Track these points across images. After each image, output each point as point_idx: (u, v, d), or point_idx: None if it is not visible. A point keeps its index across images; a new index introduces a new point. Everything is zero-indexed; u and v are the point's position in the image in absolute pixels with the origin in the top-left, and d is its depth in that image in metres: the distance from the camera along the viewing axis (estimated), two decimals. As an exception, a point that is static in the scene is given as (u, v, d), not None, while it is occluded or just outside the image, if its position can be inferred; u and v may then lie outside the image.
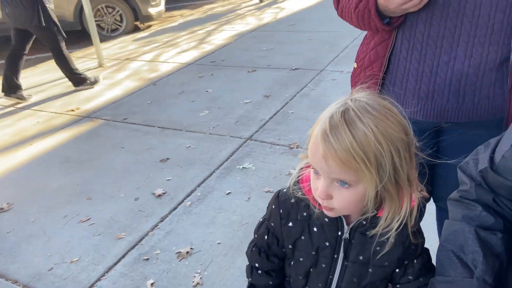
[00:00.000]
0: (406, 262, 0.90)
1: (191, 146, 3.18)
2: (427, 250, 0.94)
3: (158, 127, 3.54)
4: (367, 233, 0.86)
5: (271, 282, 1.04)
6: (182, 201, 2.55)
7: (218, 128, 3.41)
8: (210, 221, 2.34)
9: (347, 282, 0.92)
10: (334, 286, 0.93)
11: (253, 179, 2.68)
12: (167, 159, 3.03)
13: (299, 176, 0.91)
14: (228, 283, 1.92)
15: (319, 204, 0.84)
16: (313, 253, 0.92)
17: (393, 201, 0.80)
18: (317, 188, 0.80)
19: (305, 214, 0.90)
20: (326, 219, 0.88)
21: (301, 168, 0.92)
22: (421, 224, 0.98)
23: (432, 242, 1.88)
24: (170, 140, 3.31)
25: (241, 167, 2.82)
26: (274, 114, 3.53)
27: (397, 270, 0.91)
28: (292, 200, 0.91)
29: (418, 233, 0.89)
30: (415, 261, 0.91)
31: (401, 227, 0.82)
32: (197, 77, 4.62)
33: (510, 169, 0.85)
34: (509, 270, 0.86)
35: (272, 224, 0.95)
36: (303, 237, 0.92)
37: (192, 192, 2.62)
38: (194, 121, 3.57)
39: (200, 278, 1.96)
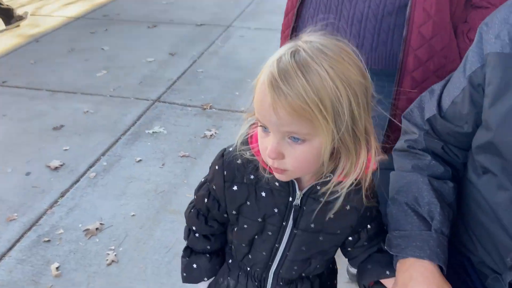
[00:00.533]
0: (360, 229, 0.84)
1: (89, 111, 2.82)
2: (380, 213, 0.87)
3: (47, 90, 3.08)
4: (321, 199, 0.76)
5: (208, 247, 0.94)
6: (85, 172, 2.26)
7: (120, 89, 3.08)
8: (120, 192, 2.11)
9: (294, 251, 0.83)
10: (280, 255, 0.85)
11: (166, 143, 2.48)
12: (62, 126, 2.65)
13: (247, 134, 0.78)
14: (148, 257, 1.76)
15: (269, 167, 0.73)
16: (260, 220, 0.81)
17: (349, 154, 0.69)
18: (266, 147, 0.68)
19: (252, 177, 0.79)
20: (277, 184, 0.77)
21: (251, 126, 0.79)
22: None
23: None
24: (63, 105, 2.90)
25: (150, 131, 2.59)
26: (183, 74, 3.29)
27: (350, 238, 0.85)
28: (239, 161, 0.79)
29: (373, 196, 0.81)
30: (369, 226, 0.84)
31: (352, 186, 0.72)
32: (88, 33, 4.11)
33: (459, 114, 0.82)
34: (457, 219, 0.86)
35: (214, 186, 0.84)
36: (248, 203, 0.81)
37: (95, 162, 2.34)
38: (90, 83, 3.18)
39: (115, 255, 1.77)
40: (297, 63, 0.62)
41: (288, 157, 0.67)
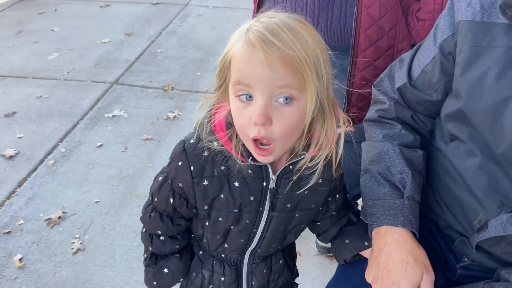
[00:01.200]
0: (329, 199, 0.85)
1: (42, 95, 2.68)
2: (345, 185, 0.89)
3: (-5, 76, 2.89)
4: (294, 178, 0.76)
5: (177, 246, 0.90)
6: (43, 160, 2.16)
7: (75, 72, 2.95)
8: (82, 179, 2.04)
9: (272, 231, 0.83)
10: (258, 238, 0.84)
11: (127, 127, 2.41)
12: (14, 113, 2.51)
13: (210, 122, 0.74)
14: (115, 243, 1.72)
15: (241, 155, 0.71)
16: (236, 210, 0.79)
17: (325, 122, 0.70)
18: (248, 118, 0.65)
19: (223, 168, 0.75)
20: (250, 171, 0.74)
21: (210, 111, 0.75)
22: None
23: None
24: (13, 90, 2.74)
25: (110, 115, 2.50)
26: (141, 54, 3.19)
27: (320, 208, 0.86)
28: (206, 153, 0.74)
29: (339, 164, 0.82)
30: (338, 196, 0.86)
31: (328, 158, 0.74)
32: (36, 14, 3.87)
33: (429, 82, 0.84)
34: (425, 185, 0.90)
35: (180, 184, 0.78)
36: (222, 195, 0.77)
37: (53, 149, 2.24)
38: (42, 66, 3.01)
39: (81, 243, 1.72)
40: (280, 25, 0.63)
41: (276, 122, 0.65)
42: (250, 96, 0.65)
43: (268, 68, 0.61)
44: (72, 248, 1.69)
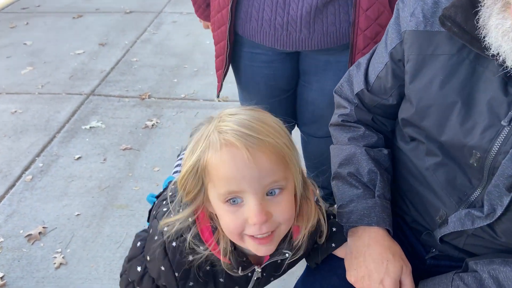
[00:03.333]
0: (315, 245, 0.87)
1: (17, 111, 2.65)
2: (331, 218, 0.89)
3: (-33, 93, 2.84)
4: (278, 261, 0.77)
5: None
6: (20, 176, 2.14)
7: (49, 86, 2.91)
8: (61, 193, 2.03)
9: None
10: None
11: (105, 137, 2.39)
12: (-12, 129, 2.47)
13: (195, 225, 0.73)
14: (98, 255, 1.72)
15: (229, 259, 0.71)
16: None
17: (308, 200, 0.72)
18: (241, 221, 0.64)
19: (208, 268, 0.75)
20: (235, 270, 0.74)
21: (194, 214, 0.73)
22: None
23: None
24: (-13, 106, 2.70)
25: (88, 126, 2.48)
26: (116, 64, 3.17)
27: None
28: (190, 258, 0.72)
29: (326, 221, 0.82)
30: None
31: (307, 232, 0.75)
32: (8, 28, 3.81)
33: (384, 88, 0.88)
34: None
35: (164, 283, 0.77)
36: None
37: (31, 164, 2.22)
38: (15, 81, 2.97)
39: (63, 257, 1.71)
40: (251, 120, 0.63)
41: (276, 213, 0.65)
42: (237, 200, 0.64)
43: (256, 166, 0.61)
44: (55, 263, 1.68)
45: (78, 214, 1.91)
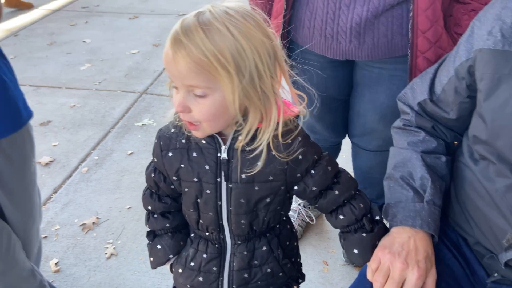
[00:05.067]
0: (299, 175, 0.85)
1: (76, 105, 2.80)
2: (326, 157, 0.87)
3: (30, 86, 3.03)
4: (246, 149, 0.81)
5: (168, 225, 0.98)
6: (77, 167, 2.25)
7: (106, 83, 3.06)
8: (114, 186, 2.12)
9: (235, 204, 0.86)
10: (225, 212, 0.88)
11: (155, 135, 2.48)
12: (49, 121, 2.62)
13: None
14: (146, 248, 1.77)
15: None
16: (195, 179, 0.86)
17: (257, 110, 0.76)
18: (175, 106, 0.76)
19: (184, 141, 0.85)
20: (204, 141, 0.83)
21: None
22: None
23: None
24: (48, 99, 2.86)
25: (140, 124, 2.58)
26: (168, 65, 3.28)
27: (296, 188, 0.86)
28: (172, 130, 0.86)
29: (304, 144, 0.82)
30: (312, 171, 0.85)
31: (269, 138, 0.78)
32: (68, 26, 4.03)
33: (447, 101, 0.88)
34: (450, 189, 0.93)
35: (156, 159, 0.90)
36: (182, 165, 0.86)
37: (87, 156, 2.33)
38: (75, 76, 3.14)
39: (114, 248, 1.78)
40: (199, 22, 0.70)
41: (195, 111, 0.74)
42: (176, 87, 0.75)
43: (176, 67, 0.70)
44: (106, 253, 1.76)
45: (129, 208, 1.99)
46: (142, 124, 2.58)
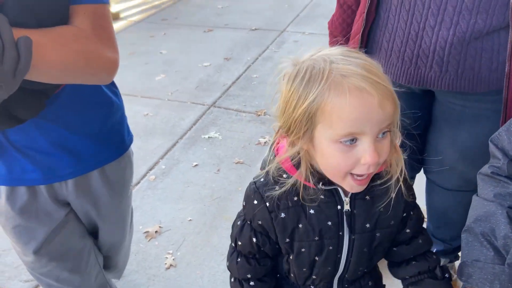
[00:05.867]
0: (405, 214, 0.85)
1: (149, 113, 2.94)
2: (417, 203, 0.89)
3: (110, 93, 3.23)
4: (367, 197, 0.78)
5: None
6: (145, 175, 2.35)
7: (177, 93, 3.18)
8: (178, 197, 2.18)
9: (357, 254, 0.83)
10: (343, 263, 0.84)
11: (221, 149, 2.53)
12: (123, 128, 2.78)
13: (275, 157, 0.79)
14: (204, 263, 1.81)
15: (314, 182, 0.75)
16: (316, 238, 0.81)
17: (395, 150, 0.75)
18: (353, 161, 0.67)
19: (296, 198, 0.78)
20: (322, 196, 0.77)
21: (273, 149, 0.82)
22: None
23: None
24: (125, 107, 3.03)
25: (206, 136, 2.65)
26: (237, 79, 3.34)
27: (398, 225, 0.86)
28: (277, 188, 0.77)
29: (410, 187, 0.84)
30: (412, 213, 0.86)
31: (400, 179, 0.77)
32: (148, 37, 4.27)
33: None
34: None
35: (260, 222, 0.82)
36: (300, 225, 0.80)
37: (155, 165, 2.43)
38: (150, 86, 3.30)
39: (173, 259, 1.83)
40: (364, 62, 0.67)
41: (381, 155, 0.69)
42: (353, 140, 0.67)
43: (382, 110, 0.65)
44: (165, 263, 1.81)
45: (190, 220, 2.03)
46: (208, 137, 2.64)
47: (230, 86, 3.23)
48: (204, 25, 4.45)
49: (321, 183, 0.75)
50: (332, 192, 0.77)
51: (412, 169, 1.45)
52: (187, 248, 1.88)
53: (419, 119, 1.27)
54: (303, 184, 0.76)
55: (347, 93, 0.64)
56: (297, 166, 0.76)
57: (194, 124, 2.79)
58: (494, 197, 0.85)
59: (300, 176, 0.75)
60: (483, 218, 0.83)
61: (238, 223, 0.88)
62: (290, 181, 0.76)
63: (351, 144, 0.67)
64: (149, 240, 1.93)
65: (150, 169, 2.39)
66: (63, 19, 0.78)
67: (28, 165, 0.95)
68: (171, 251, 1.87)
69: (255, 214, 0.81)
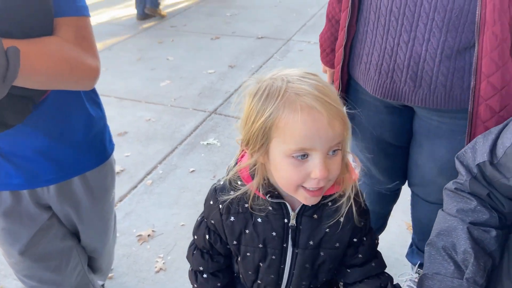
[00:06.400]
0: (355, 240, 0.87)
1: (151, 119, 2.99)
2: (372, 229, 0.92)
3: (115, 97, 3.30)
4: (314, 216, 0.82)
5: (219, 284, 0.97)
6: (143, 179, 2.40)
7: (181, 100, 3.23)
8: (173, 201, 2.22)
9: (299, 269, 0.88)
10: (287, 275, 0.89)
11: (218, 155, 2.56)
12: (125, 132, 2.84)
13: (236, 165, 0.84)
14: (193, 268, 1.83)
15: (264, 194, 0.79)
16: (260, 245, 0.86)
17: (347, 170, 0.78)
18: (303, 175, 0.71)
19: (246, 205, 0.83)
20: (270, 208, 0.82)
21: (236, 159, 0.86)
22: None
23: (400, 223, 1.88)
24: (128, 111, 3.10)
25: (205, 143, 2.69)
26: (240, 86, 3.38)
27: (347, 250, 0.89)
28: (232, 193, 0.83)
29: (365, 209, 0.87)
30: (364, 239, 0.88)
31: (350, 202, 0.80)
32: (156, 43, 4.35)
33: (508, 167, 0.80)
34: (502, 264, 0.84)
35: (212, 221, 0.89)
36: (247, 231, 0.85)
37: (153, 169, 2.48)
38: (154, 92, 3.37)
39: (163, 263, 1.86)
40: (317, 83, 0.72)
41: (332, 170, 0.73)
42: (304, 155, 0.71)
43: (331, 128, 0.69)
44: (155, 267, 1.84)
45: (183, 225, 2.07)
46: (207, 143, 2.68)
47: (232, 94, 3.27)
48: (211, 33, 4.51)
49: (268, 196, 0.79)
50: (281, 206, 0.82)
51: (395, 181, 1.46)
52: (178, 252, 1.92)
53: (402, 134, 1.29)
54: (254, 194, 0.81)
55: (299, 111, 0.68)
56: (253, 176, 0.80)
57: (194, 130, 2.84)
58: (456, 212, 0.87)
59: (252, 186, 0.80)
60: (445, 232, 0.86)
61: (198, 219, 0.95)
62: (243, 189, 0.81)
63: (303, 159, 0.71)
64: (141, 244, 1.97)
65: (148, 174, 2.44)
66: (48, 31, 0.82)
67: (11, 170, 0.99)
68: (161, 255, 1.90)
69: (210, 213, 0.88)
